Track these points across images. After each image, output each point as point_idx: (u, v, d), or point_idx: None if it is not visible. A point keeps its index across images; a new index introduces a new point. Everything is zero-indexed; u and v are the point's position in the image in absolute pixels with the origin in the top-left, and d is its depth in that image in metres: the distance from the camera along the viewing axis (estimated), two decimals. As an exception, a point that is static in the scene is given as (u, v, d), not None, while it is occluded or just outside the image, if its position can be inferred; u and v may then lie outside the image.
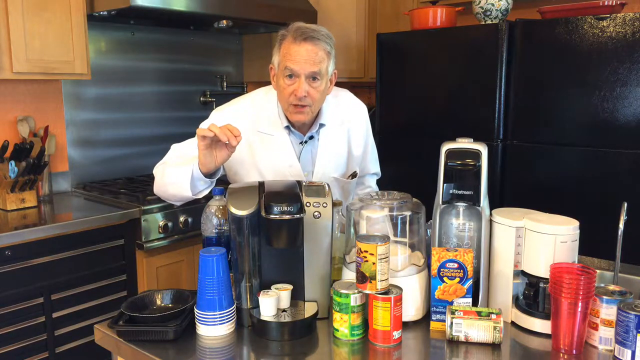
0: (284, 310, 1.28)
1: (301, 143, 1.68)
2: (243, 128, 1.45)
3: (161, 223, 2.41)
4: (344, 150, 1.76)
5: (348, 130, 1.77)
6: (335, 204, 1.42)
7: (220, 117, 1.63)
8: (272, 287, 1.30)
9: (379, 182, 2.05)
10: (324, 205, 1.30)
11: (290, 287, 1.31)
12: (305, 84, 1.51)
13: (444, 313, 1.26)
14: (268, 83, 1.71)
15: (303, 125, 1.66)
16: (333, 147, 1.72)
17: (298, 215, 1.25)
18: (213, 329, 1.24)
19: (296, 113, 1.56)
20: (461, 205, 1.34)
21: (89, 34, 2.47)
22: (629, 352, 1.09)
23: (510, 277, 1.30)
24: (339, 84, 1.79)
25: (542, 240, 1.24)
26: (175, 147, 1.66)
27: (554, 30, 2.35)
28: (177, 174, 1.48)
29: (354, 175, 1.81)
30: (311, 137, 1.69)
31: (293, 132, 1.66)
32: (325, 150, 1.70)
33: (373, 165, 1.96)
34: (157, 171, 1.60)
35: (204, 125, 1.56)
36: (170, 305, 1.34)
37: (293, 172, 1.67)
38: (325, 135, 1.70)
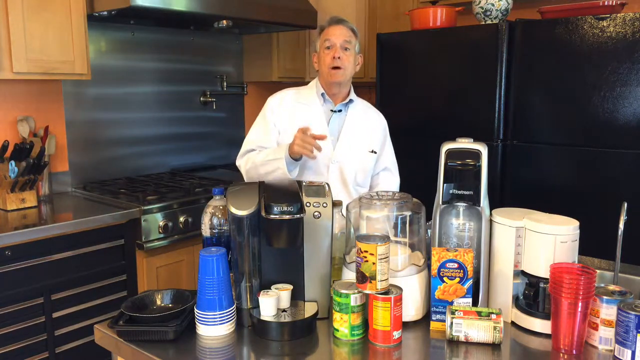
0: (284, 310, 1.28)
1: (332, 111, 2.03)
2: (288, 100, 2.04)
3: (161, 223, 2.41)
4: (366, 128, 2.08)
5: (372, 116, 2.13)
6: (335, 204, 1.42)
7: (273, 100, 2.07)
8: (272, 287, 1.30)
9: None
10: (324, 205, 1.30)
11: (290, 287, 1.31)
12: (340, 50, 1.95)
13: (444, 313, 1.26)
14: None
15: (337, 95, 2.03)
16: (358, 123, 2.06)
17: (298, 215, 1.25)
18: (213, 329, 1.24)
19: (334, 74, 1.96)
20: (461, 205, 1.34)
21: (89, 34, 2.48)
22: (629, 352, 1.09)
23: (510, 277, 1.30)
24: None
25: (542, 240, 1.24)
26: (250, 140, 2.03)
27: (554, 30, 2.35)
28: (273, 167, 1.87)
29: (373, 152, 2.09)
30: (340, 110, 2.04)
31: (326, 100, 2.03)
32: (351, 124, 2.04)
33: (386, 160, 2.16)
34: (247, 165, 1.98)
35: (266, 107, 2.04)
36: (170, 305, 1.34)
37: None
38: (352, 112, 2.06)
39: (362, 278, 1.19)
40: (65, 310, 2.16)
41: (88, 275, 2.23)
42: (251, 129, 2.07)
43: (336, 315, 1.23)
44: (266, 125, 2.02)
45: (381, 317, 1.19)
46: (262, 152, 1.96)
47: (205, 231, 1.43)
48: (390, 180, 2.17)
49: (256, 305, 1.28)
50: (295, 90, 2.09)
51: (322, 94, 2.02)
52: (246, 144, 2.05)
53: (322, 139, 1.82)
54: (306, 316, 1.26)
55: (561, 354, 1.16)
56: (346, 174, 2.00)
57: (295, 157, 1.83)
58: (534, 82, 2.44)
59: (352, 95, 2.07)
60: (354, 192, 2.02)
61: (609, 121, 2.25)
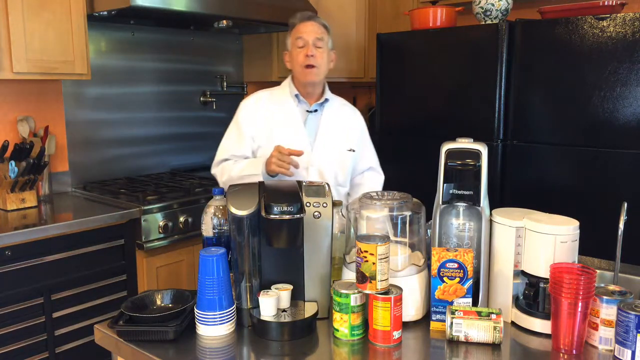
0: (284, 310, 1.28)
1: (307, 111, 1.98)
2: (261, 103, 1.98)
3: (161, 223, 2.41)
4: (343, 126, 2.04)
5: (348, 114, 2.08)
6: (335, 204, 1.42)
7: (246, 104, 2.01)
8: (272, 287, 1.31)
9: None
10: (324, 205, 1.30)
11: (290, 287, 1.31)
12: (313, 47, 1.90)
13: (444, 313, 1.26)
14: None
15: (311, 95, 1.98)
16: (335, 122, 2.01)
17: (298, 215, 1.25)
18: (213, 329, 1.24)
19: (308, 73, 1.91)
20: (461, 205, 1.34)
21: (89, 34, 2.48)
22: (629, 352, 1.09)
23: (510, 277, 1.30)
24: (339, 84, 1.90)
25: (542, 240, 1.24)
26: (224, 149, 2.00)
27: (554, 30, 2.35)
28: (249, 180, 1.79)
29: (351, 150, 2.05)
30: (315, 110, 1.99)
31: (301, 100, 1.98)
32: (327, 123, 2.00)
33: (369, 159, 2.15)
34: (224, 177, 1.96)
35: (239, 113, 1.99)
36: (170, 305, 1.34)
37: (298, 138, 1.93)
38: (328, 111, 2.01)
39: (362, 278, 1.19)
40: (65, 310, 2.16)
41: (88, 275, 2.23)
42: (225, 136, 2.03)
43: (336, 315, 1.23)
44: (239, 132, 1.98)
45: (381, 317, 1.19)
46: (238, 164, 1.92)
47: (206, 231, 1.43)
48: (376, 178, 2.15)
49: (256, 305, 1.28)
50: (269, 92, 2.04)
51: (296, 95, 1.97)
52: (220, 153, 2.01)
53: (299, 154, 1.79)
54: (306, 316, 1.26)
55: (561, 354, 1.17)
56: (326, 175, 1.96)
57: (272, 174, 1.81)
58: (534, 82, 2.44)
59: (327, 94, 2.02)
60: (334, 193, 1.98)
61: (609, 121, 2.25)
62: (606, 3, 2.30)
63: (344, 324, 1.22)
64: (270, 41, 3.29)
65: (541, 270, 1.24)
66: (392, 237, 1.35)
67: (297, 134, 1.94)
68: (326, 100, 2.01)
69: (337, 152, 2.00)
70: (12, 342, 2.01)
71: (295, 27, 1.95)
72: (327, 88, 2.03)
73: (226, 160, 1.99)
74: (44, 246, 2.08)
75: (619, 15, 2.20)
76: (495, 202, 2.37)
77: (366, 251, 1.18)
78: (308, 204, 1.29)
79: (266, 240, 1.29)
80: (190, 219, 2.51)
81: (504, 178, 2.56)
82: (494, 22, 2.59)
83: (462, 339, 1.20)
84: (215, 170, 2.03)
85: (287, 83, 2.02)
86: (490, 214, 1.34)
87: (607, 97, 2.24)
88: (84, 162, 2.81)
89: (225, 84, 3.42)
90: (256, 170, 1.83)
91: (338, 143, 2.01)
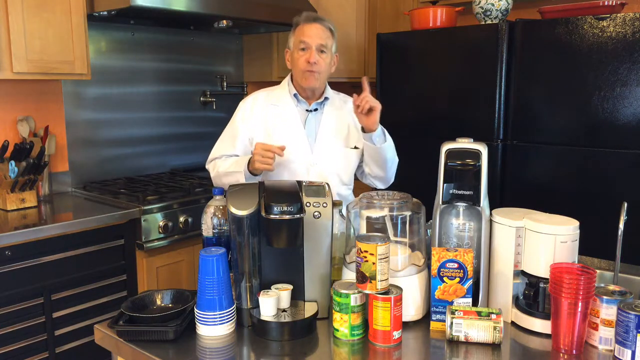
0: (284, 310, 1.28)
1: (307, 111, 1.93)
2: (259, 103, 1.94)
3: (161, 223, 2.41)
4: (346, 123, 1.97)
5: (349, 111, 1.96)
6: (335, 204, 1.42)
7: (244, 105, 1.98)
8: (272, 287, 1.31)
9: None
10: (324, 205, 1.30)
11: (290, 287, 1.31)
12: (316, 52, 1.83)
13: (444, 313, 1.26)
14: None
15: (311, 95, 1.93)
16: (335, 121, 1.96)
17: (298, 215, 1.25)
18: (213, 329, 1.24)
19: (308, 77, 1.86)
20: (461, 205, 1.34)
21: (89, 34, 2.48)
22: (629, 352, 1.09)
23: (510, 277, 1.30)
24: (339, 84, 1.89)
25: (542, 240, 1.24)
26: (218, 149, 1.98)
27: (554, 30, 2.35)
28: (234, 179, 1.80)
29: (355, 148, 1.98)
30: (316, 109, 1.94)
31: (300, 100, 1.93)
32: (328, 121, 1.95)
33: None
34: (213, 172, 1.96)
35: (237, 114, 1.96)
36: (170, 305, 1.34)
37: (297, 138, 1.90)
38: (329, 109, 1.96)
39: (362, 278, 1.19)
40: (65, 310, 2.16)
41: (88, 275, 2.23)
42: (222, 135, 2.00)
43: (336, 315, 1.23)
44: (233, 133, 1.95)
45: (381, 317, 1.19)
46: (226, 161, 1.90)
47: (206, 231, 1.43)
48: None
49: (256, 305, 1.28)
50: (267, 91, 1.99)
51: (295, 95, 1.92)
52: (213, 151, 1.99)
53: (281, 151, 1.73)
54: (306, 316, 1.26)
55: (561, 354, 1.17)
56: (327, 175, 1.90)
57: (255, 172, 1.78)
58: (534, 82, 2.44)
59: (328, 92, 1.96)
60: (339, 193, 1.94)
61: (609, 121, 2.25)
62: (606, 3, 2.30)
63: (344, 324, 1.22)
64: (270, 41, 3.29)
65: (541, 270, 1.24)
66: (392, 237, 1.35)
67: (296, 134, 1.90)
68: (326, 98, 1.95)
69: (339, 151, 1.94)
70: (12, 342, 2.01)
71: (299, 28, 1.87)
72: (327, 86, 1.97)
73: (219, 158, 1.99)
74: (44, 246, 2.08)
75: (619, 15, 2.20)
76: (495, 202, 2.37)
77: (366, 251, 1.18)
78: (308, 204, 1.29)
79: (266, 240, 1.29)
80: (190, 219, 2.51)
81: (504, 178, 2.56)
82: (494, 22, 2.59)
83: (462, 339, 1.20)
84: (208, 166, 2.01)
85: (286, 82, 1.97)
86: (490, 214, 1.34)
87: (607, 97, 2.24)
88: (84, 162, 2.81)
89: (225, 84, 3.42)
90: (239, 168, 1.80)
91: (340, 141, 1.95)
